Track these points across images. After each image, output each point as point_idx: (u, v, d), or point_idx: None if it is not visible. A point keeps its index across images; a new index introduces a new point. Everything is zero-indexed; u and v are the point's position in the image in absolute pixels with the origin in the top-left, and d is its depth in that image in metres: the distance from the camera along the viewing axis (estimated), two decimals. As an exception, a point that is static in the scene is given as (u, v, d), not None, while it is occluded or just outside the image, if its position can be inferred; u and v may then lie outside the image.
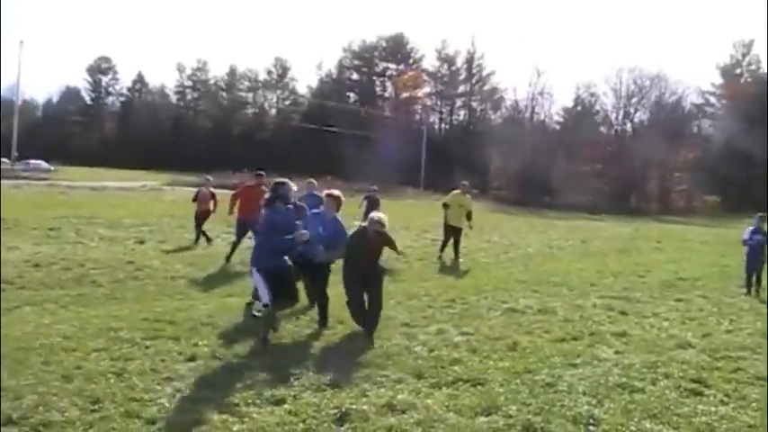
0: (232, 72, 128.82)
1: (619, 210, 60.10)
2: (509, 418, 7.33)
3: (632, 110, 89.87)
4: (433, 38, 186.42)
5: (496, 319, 12.50)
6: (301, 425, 6.96)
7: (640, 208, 67.55)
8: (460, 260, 20.87)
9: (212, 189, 23.27)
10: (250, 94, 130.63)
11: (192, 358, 9.14)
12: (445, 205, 21.97)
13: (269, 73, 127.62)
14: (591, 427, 7.19)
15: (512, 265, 20.80)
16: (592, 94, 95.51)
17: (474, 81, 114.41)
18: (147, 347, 9.56)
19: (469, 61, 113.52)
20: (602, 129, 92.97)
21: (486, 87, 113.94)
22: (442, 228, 22.21)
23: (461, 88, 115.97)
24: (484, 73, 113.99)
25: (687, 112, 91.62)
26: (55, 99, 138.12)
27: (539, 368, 9.20)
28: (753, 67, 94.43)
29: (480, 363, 9.46)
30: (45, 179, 61.00)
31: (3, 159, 78.25)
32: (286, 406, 7.49)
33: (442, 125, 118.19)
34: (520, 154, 78.67)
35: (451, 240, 21.56)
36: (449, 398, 7.94)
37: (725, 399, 8.35)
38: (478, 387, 8.35)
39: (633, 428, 7.20)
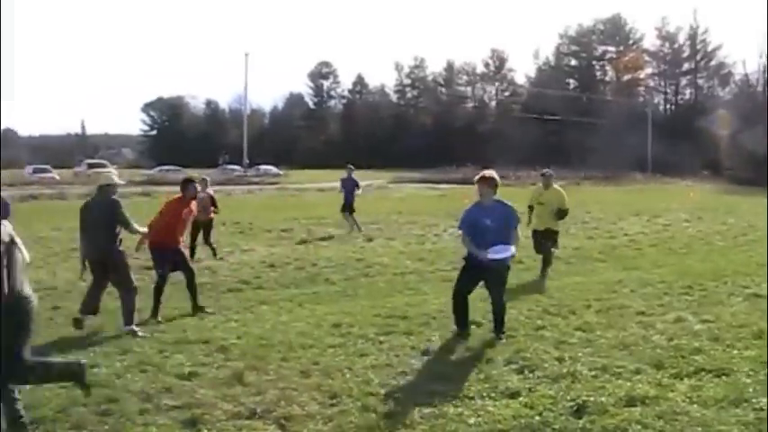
0: (449, 67, 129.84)
1: None
2: (760, 410, 6.87)
3: None
4: (653, 16, 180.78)
5: (738, 306, 11.88)
6: (537, 417, 6.81)
7: None
8: (546, 275, 15.41)
9: (212, 192, 19.42)
10: (469, 88, 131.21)
11: (426, 352, 9.18)
12: (530, 207, 16.30)
13: (486, 65, 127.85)
14: None
15: (751, 249, 19.74)
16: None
17: (698, 57, 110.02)
18: (380, 342, 9.69)
19: (692, 37, 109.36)
20: None
21: (713, 63, 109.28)
22: (665, 217, 20.42)
23: (685, 66, 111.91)
24: (709, 48, 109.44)
25: None
26: (280, 106, 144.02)
27: (789, 356, 8.62)
28: None
29: (724, 352, 8.96)
30: (275, 183, 63.65)
31: (235, 167, 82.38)
32: (521, 398, 7.36)
33: (668, 106, 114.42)
34: (753, 131, 74.79)
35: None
36: (691, 389, 7.55)
37: None
38: (723, 378, 7.90)
39: None
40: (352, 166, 25.57)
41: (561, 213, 15.90)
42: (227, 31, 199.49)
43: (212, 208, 18.67)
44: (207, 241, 18.48)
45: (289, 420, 6.90)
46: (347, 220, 24.09)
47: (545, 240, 15.71)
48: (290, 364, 8.66)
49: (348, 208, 24.21)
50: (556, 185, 16.34)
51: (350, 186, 24.63)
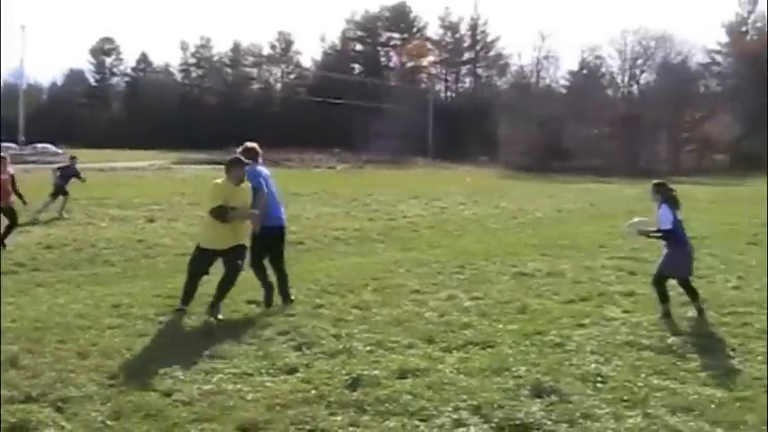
0: (236, 48, 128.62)
1: (628, 172, 59.76)
2: (519, 378, 7.44)
3: (638, 71, 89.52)
4: (436, 5, 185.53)
5: (506, 283, 12.62)
6: (314, 391, 7.06)
7: (650, 169, 66.90)
8: None
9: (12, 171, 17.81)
10: (255, 70, 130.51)
11: (207, 332, 9.28)
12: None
13: (273, 47, 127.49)
14: (598, 384, 7.30)
15: (521, 230, 20.90)
16: (597, 57, 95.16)
17: (479, 48, 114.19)
18: (160, 323, 9.72)
19: (473, 27, 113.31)
20: (609, 91, 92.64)
21: (491, 53, 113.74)
22: (443, 200, 21.29)
23: (466, 55, 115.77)
24: (488, 39, 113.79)
25: (694, 71, 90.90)
26: (60, 82, 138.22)
27: (548, 329, 9.30)
28: (759, 24, 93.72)
29: (490, 326, 9.57)
30: (54, 162, 61.15)
31: (10, 144, 78.38)
32: (299, 374, 7.61)
33: (449, 93, 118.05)
34: (527, 119, 78.55)
35: None
36: (459, 361, 8.05)
37: (731, 353, 8.45)
38: (488, 349, 8.47)
39: (641, 384, 7.28)
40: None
41: None
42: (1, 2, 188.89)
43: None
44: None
45: (66, 402, 6.82)
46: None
47: None
48: (67, 346, 8.52)
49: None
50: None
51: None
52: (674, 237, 10.29)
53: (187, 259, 14.57)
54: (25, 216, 19.18)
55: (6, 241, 16.09)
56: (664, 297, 10.28)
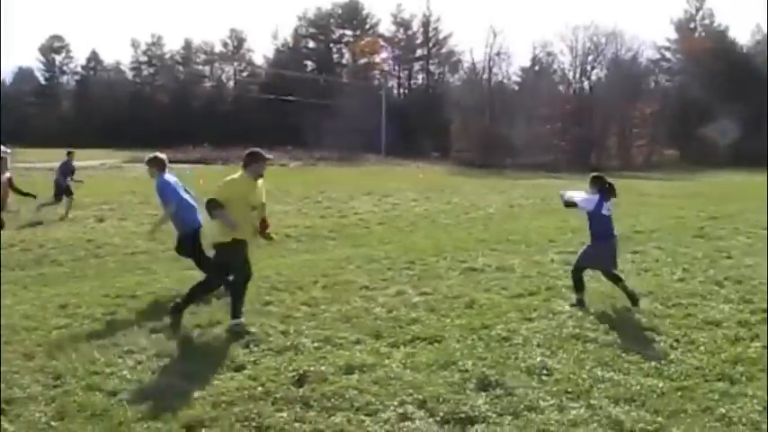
0: (187, 45, 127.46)
1: (580, 167, 60.03)
2: (465, 372, 7.51)
3: (589, 67, 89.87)
4: (388, 2, 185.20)
5: (455, 279, 12.69)
6: (260, 388, 7.09)
7: (601, 165, 67.39)
8: None
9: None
10: (207, 68, 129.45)
11: (154, 330, 9.24)
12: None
13: (225, 45, 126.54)
14: (544, 377, 7.39)
15: (471, 226, 21.00)
16: (549, 54, 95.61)
17: (431, 44, 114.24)
18: (107, 322, 9.67)
19: (425, 24, 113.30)
20: (561, 87, 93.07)
21: (444, 50, 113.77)
22: (395, 197, 21.28)
23: (419, 52, 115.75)
24: (440, 36, 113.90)
25: (644, 67, 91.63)
26: (8, 81, 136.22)
27: (495, 323, 9.39)
28: (706, 21, 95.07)
29: (438, 321, 9.65)
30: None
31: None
32: (246, 371, 7.64)
33: (401, 90, 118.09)
34: (479, 116, 78.84)
35: None
36: (406, 356, 8.11)
37: (674, 344, 8.58)
38: (435, 344, 8.54)
39: (585, 376, 7.39)
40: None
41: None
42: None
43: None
44: None
45: (10, 404, 6.80)
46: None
47: None
48: (12, 348, 8.47)
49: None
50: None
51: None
52: (597, 230, 10.60)
53: (137, 258, 14.62)
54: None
55: None
56: (580, 285, 10.59)
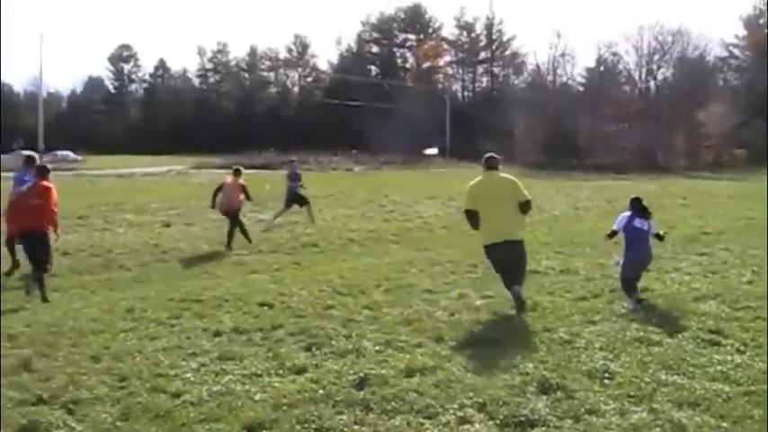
0: (252, 52, 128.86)
1: (646, 168, 59.50)
2: (525, 375, 7.46)
3: (655, 67, 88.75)
4: (451, 6, 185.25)
5: (518, 282, 12.61)
6: (321, 391, 7.12)
7: (668, 165, 66.73)
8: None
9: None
10: (272, 74, 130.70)
11: (218, 333, 9.35)
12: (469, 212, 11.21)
13: (289, 51, 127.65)
14: (605, 380, 7.31)
15: (536, 228, 20.83)
16: (614, 54, 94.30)
17: (494, 47, 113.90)
18: (172, 326, 9.82)
19: (489, 27, 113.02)
20: (626, 88, 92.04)
21: (507, 52, 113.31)
22: (459, 200, 20.99)
23: (482, 55, 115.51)
24: (504, 38, 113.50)
25: (711, 65, 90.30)
26: (79, 90, 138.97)
27: (557, 326, 9.32)
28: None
29: (499, 324, 9.62)
30: (72, 169, 61.54)
31: (30, 152, 78.70)
32: (307, 374, 7.67)
33: (465, 93, 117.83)
34: (544, 117, 78.31)
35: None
36: (467, 359, 8.08)
37: (742, 348, 8.39)
38: (496, 347, 8.50)
39: (648, 380, 7.29)
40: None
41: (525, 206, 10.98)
42: (19, 11, 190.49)
43: (242, 197, 18.60)
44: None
45: (77, 404, 6.95)
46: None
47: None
48: (80, 350, 8.65)
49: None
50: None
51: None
52: (628, 241, 11.17)
53: (202, 262, 14.86)
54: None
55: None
56: (632, 292, 10.73)
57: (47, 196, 12.34)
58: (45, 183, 12.51)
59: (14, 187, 14.22)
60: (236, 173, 19.11)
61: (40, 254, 12.32)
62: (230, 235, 17.86)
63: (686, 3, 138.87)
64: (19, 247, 13.32)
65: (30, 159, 15.02)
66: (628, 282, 10.83)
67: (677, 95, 77.16)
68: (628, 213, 11.16)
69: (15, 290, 12.66)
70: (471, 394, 6.97)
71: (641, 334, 8.88)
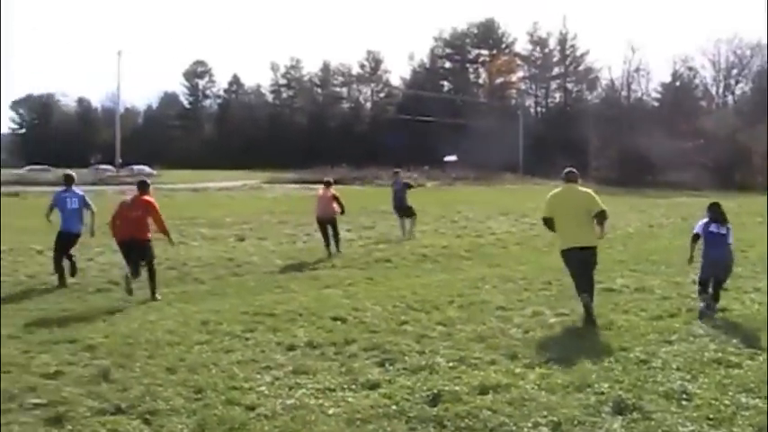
0: (325, 68, 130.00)
1: (723, 185, 58.40)
2: (600, 394, 7.36)
3: (733, 81, 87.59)
4: (524, 21, 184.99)
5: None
6: (395, 407, 7.11)
7: (746, 182, 65.35)
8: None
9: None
10: (344, 89, 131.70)
11: (291, 347, 9.40)
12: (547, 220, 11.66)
13: (362, 67, 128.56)
14: (683, 402, 7.18)
15: (610, 246, 20.51)
16: (690, 68, 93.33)
17: (568, 62, 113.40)
18: (246, 339, 9.88)
19: (562, 42, 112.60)
20: (703, 103, 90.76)
21: (581, 68, 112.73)
22: (533, 216, 21.05)
23: (555, 70, 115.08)
24: (577, 53, 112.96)
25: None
26: (154, 105, 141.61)
27: (633, 346, 9.17)
28: None
29: (574, 342, 9.49)
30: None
31: (108, 167, 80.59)
32: (381, 389, 7.66)
33: (538, 108, 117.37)
34: (618, 133, 77.46)
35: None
36: (541, 377, 8.00)
37: (830, 370, 8.19)
38: (571, 366, 8.39)
39: (727, 402, 7.13)
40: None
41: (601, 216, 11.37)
42: (99, 29, 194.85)
43: (335, 207, 19.42)
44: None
45: (153, 415, 7.03)
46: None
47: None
48: (156, 361, 8.76)
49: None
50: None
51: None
52: (705, 245, 11.77)
53: (275, 276, 15.01)
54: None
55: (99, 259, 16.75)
56: (704, 294, 11.36)
57: (150, 209, 13.79)
58: (146, 197, 13.88)
59: (58, 204, 15.39)
60: (327, 185, 20.07)
61: (144, 259, 13.53)
62: (336, 238, 19.02)
63: (765, 15, 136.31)
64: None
65: (68, 178, 16.06)
66: (701, 283, 11.40)
67: (756, 110, 75.64)
68: (705, 219, 11.78)
69: (94, 299, 12.92)
70: (545, 413, 6.90)
71: (720, 355, 8.70)
